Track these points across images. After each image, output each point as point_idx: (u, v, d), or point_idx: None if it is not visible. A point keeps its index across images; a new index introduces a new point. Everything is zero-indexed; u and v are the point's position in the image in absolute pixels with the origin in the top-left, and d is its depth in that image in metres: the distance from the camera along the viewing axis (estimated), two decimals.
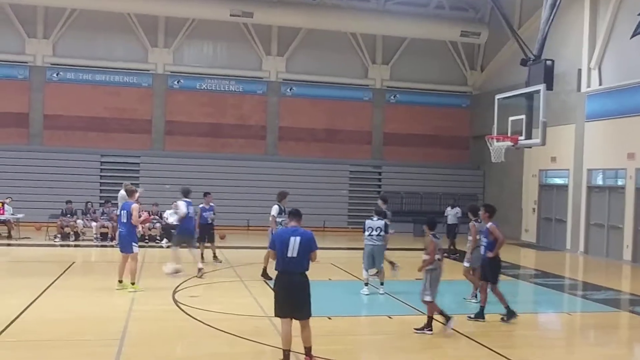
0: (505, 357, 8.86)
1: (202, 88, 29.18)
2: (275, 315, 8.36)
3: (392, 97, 31.09)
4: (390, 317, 11.37)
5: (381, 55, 30.92)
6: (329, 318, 11.02)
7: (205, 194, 18.16)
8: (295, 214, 8.55)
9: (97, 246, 20.97)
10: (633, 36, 20.93)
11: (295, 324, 8.22)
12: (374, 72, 30.80)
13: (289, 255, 8.10)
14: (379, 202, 15.30)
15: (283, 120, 29.88)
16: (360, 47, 30.50)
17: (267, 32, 29.49)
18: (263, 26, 29.03)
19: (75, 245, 21.08)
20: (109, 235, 21.57)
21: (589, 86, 22.82)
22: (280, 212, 14.49)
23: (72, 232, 21.80)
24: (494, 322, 11.28)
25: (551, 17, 18.20)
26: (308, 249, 8.16)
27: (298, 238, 8.13)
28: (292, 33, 29.62)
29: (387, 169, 30.35)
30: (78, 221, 21.90)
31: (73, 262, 17.08)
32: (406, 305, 12.41)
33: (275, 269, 8.38)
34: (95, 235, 21.64)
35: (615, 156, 21.36)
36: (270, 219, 14.60)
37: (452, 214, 20.74)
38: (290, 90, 30.01)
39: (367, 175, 30.24)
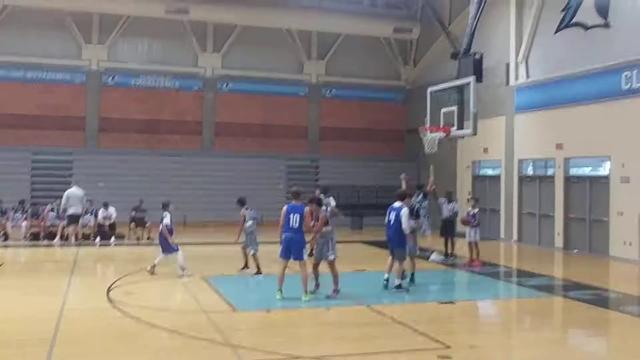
0: (443, 343, 9.00)
1: (138, 84, 28.82)
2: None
3: (328, 92, 31.28)
4: (328, 309, 11.43)
5: (317, 50, 31.08)
6: (267, 311, 11.07)
7: None
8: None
9: (26, 246, 20.44)
10: (557, 31, 21.63)
11: None
12: (310, 68, 30.91)
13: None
14: (318, 192, 15.38)
15: (219, 116, 29.72)
16: (295, 42, 30.56)
17: (202, 28, 29.31)
18: (199, 22, 28.85)
19: (4, 246, 20.42)
20: (42, 235, 21.16)
21: (517, 79, 23.49)
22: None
23: (1, 232, 21.16)
24: (432, 310, 11.50)
25: (478, 13, 18.68)
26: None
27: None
28: (228, 29, 29.50)
29: (323, 163, 30.53)
30: (9, 221, 21.29)
31: (1, 263, 16.63)
32: (344, 296, 12.51)
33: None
34: (24, 235, 21.11)
35: (544, 146, 22.01)
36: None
37: (448, 208, 18.74)
38: (226, 85, 29.87)
39: (303, 170, 30.33)
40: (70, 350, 8.66)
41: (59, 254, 19.46)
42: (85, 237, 21.48)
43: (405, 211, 12.84)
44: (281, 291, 11.85)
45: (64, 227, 21.12)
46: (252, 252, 14.72)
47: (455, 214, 18.33)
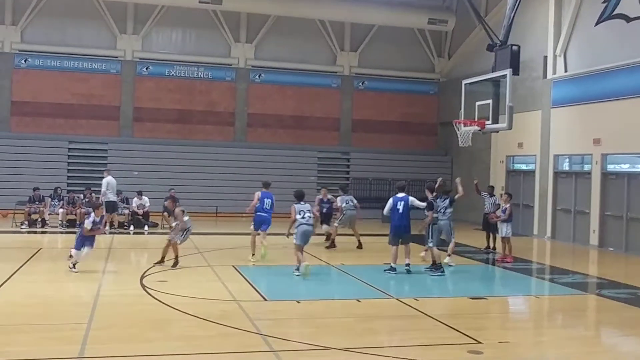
0: (474, 339, 8.93)
1: (171, 75, 28.98)
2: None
3: (360, 84, 31.16)
4: (359, 301, 11.44)
5: (349, 42, 30.94)
6: (298, 302, 11.10)
7: None
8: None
9: (63, 232, 20.78)
10: (597, 23, 21.20)
11: None
12: (343, 59, 30.80)
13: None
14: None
15: (251, 107, 29.79)
16: (328, 34, 30.49)
17: (236, 19, 29.34)
18: (232, 13, 28.88)
19: (42, 232, 20.87)
20: (78, 222, 21.48)
21: (554, 73, 23.09)
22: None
23: (39, 219, 21.58)
24: (463, 304, 11.43)
25: (517, 4, 18.35)
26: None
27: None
28: (260, 20, 29.51)
29: (355, 155, 30.43)
30: (46, 208, 21.70)
31: (40, 249, 16.92)
32: (374, 289, 12.51)
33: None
34: (60, 222, 21.48)
35: (581, 142, 21.66)
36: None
37: (489, 202, 18.82)
38: (259, 77, 29.90)
39: (335, 162, 30.31)
40: (105, 334, 8.79)
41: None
42: (120, 225, 21.82)
43: (412, 198, 14.22)
44: (254, 255, 15.19)
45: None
46: (177, 240, 14.31)
47: (497, 208, 18.18)
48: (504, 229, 16.96)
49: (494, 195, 19.46)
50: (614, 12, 20.51)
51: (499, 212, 17.30)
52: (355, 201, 18.82)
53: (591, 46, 21.57)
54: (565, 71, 22.68)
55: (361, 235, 18.67)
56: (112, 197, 21.22)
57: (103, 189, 21.13)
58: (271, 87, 29.94)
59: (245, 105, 29.73)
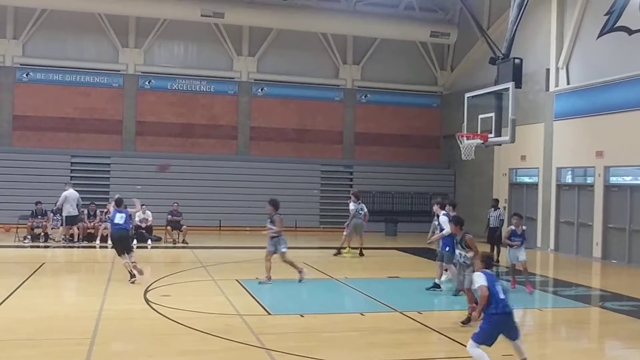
0: None
1: (173, 88, 29.01)
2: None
3: (363, 97, 31.21)
4: (362, 314, 11.42)
5: (352, 55, 31.02)
6: (302, 316, 11.08)
7: None
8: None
9: (66, 247, 20.74)
10: (599, 36, 21.28)
11: None
12: (345, 72, 30.88)
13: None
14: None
15: (254, 120, 29.83)
16: (331, 47, 30.57)
17: (238, 32, 29.43)
18: (234, 26, 28.98)
19: (45, 247, 20.84)
20: (80, 236, 21.45)
21: (557, 85, 23.15)
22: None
23: (42, 234, 21.57)
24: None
25: (519, 17, 18.40)
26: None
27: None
28: (263, 33, 29.60)
29: (358, 169, 30.41)
30: (49, 223, 21.71)
31: (43, 263, 16.90)
32: (378, 302, 12.49)
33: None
34: (64, 236, 21.45)
35: (583, 154, 21.67)
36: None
37: (494, 216, 19.05)
38: (261, 90, 29.96)
39: (338, 175, 30.24)
40: (109, 349, 8.79)
41: (98, 254, 19.77)
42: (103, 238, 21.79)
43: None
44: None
45: (104, 229, 21.43)
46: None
47: (502, 222, 18.02)
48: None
49: (499, 208, 19.42)
50: (616, 25, 20.59)
51: (513, 238, 14.65)
52: (365, 210, 19.89)
53: (593, 59, 21.64)
54: (568, 84, 22.75)
55: (365, 248, 18.70)
56: (73, 211, 21.18)
57: (59, 203, 21.09)
58: (274, 100, 29.99)
59: (247, 119, 29.79)
